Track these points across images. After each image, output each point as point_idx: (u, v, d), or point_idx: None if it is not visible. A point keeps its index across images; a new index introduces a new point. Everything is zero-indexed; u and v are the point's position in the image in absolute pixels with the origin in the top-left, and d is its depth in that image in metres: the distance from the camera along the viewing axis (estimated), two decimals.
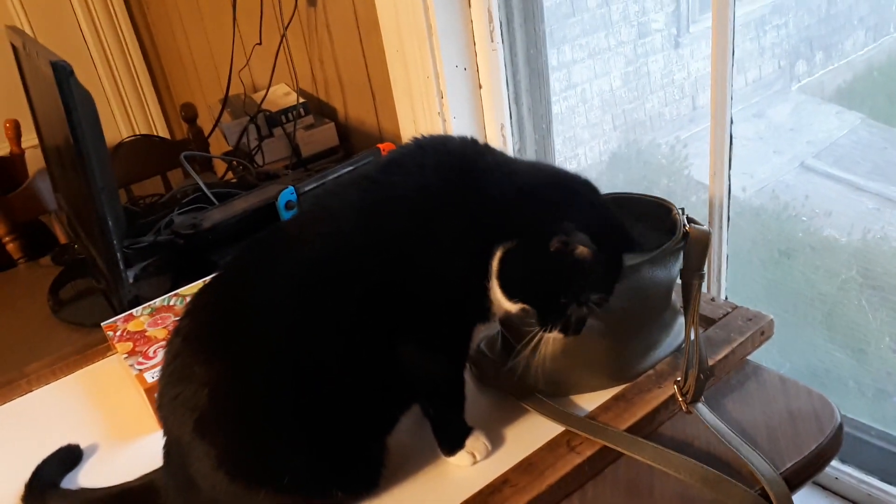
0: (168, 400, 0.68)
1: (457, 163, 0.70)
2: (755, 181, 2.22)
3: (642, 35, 2.42)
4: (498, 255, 0.67)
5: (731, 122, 0.95)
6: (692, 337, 0.75)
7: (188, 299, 1.02)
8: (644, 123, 2.48)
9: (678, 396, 0.75)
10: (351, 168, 1.17)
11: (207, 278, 1.03)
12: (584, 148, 2.47)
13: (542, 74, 1.20)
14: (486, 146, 0.73)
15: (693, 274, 0.74)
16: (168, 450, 0.71)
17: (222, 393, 0.65)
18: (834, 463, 1.02)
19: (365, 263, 0.68)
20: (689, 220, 0.76)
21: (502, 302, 0.69)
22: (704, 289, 1.02)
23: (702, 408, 0.74)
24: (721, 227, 1.00)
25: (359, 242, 0.68)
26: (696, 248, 0.72)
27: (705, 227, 0.73)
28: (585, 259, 0.65)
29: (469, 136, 0.73)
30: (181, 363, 0.67)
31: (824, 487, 1.03)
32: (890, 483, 0.98)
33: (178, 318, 0.96)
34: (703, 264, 0.73)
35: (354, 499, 0.72)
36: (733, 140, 0.96)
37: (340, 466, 0.70)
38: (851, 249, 1.91)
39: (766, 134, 2.43)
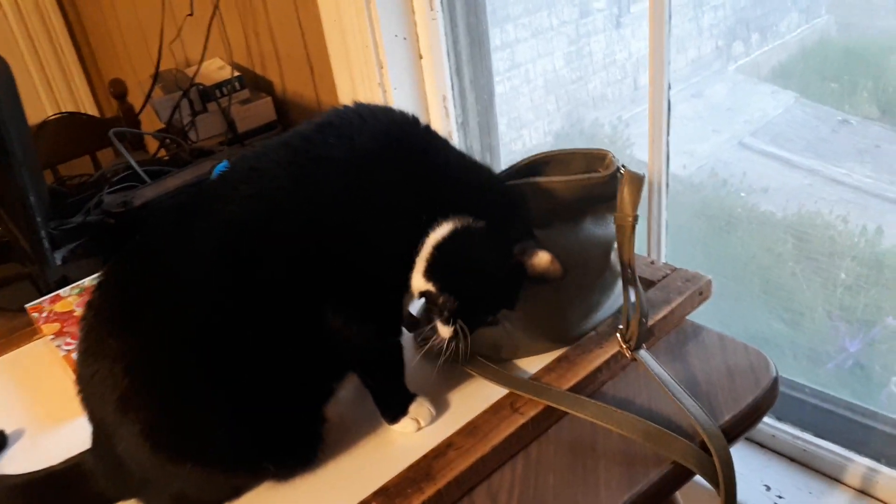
0: (86, 379, 0.65)
1: (397, 132, 0.69)
2: (695, 159, 2.27)
3: (584, 15, 2.43)
4: (441, 232, 0.66)
5: (669, 87, 0.96)
6: (631, 285, 0.74)
7: None
8: (587, 104, 2.50)
9: (621, 344, 0.75)
10: None
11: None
12: (529, 129, 2.48)
13: (483, 45, 1.19)
14: (428, 128, 0.72)
15: (627, 217, 0.73)
16: (94, 431, 0.68)
17: (139, 366, 0.62)
18: (771, 421, 1.05)
19: (294, 226, 0.65)
20: (623, 166, 0.76)
21: (416, 277, 0.68)
22: (645, 253, 1.03)
23: (645, 355, 0.75)
24: (661, 193, 1.01)
25: (288, 204, 0.66)
26: (630, 189, 0.72)
27: (639, 172, 0.73)
28: (539, 269, 0.67)
29: (413, 115, 0.72)
30: (95, 339, 0.64)
31: (762, 445, 1.05)
32: (823, 438, 1.01)
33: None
34: (636, 206, 0.72)
35: (289, 472, 0.70)
36: (671, 107, 0.97)
37: (271, 439, 0.68)
38: (787, 223, 1.97)
39: (704, 113, 2.48)
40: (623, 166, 0.74)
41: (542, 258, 0.67)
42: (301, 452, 0.70)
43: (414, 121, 0.72)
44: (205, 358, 0.63)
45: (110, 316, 0.64)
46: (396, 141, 0.68)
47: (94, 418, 0.67)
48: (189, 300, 0.64)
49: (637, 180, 0.71)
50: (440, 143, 0.72)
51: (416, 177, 0.67)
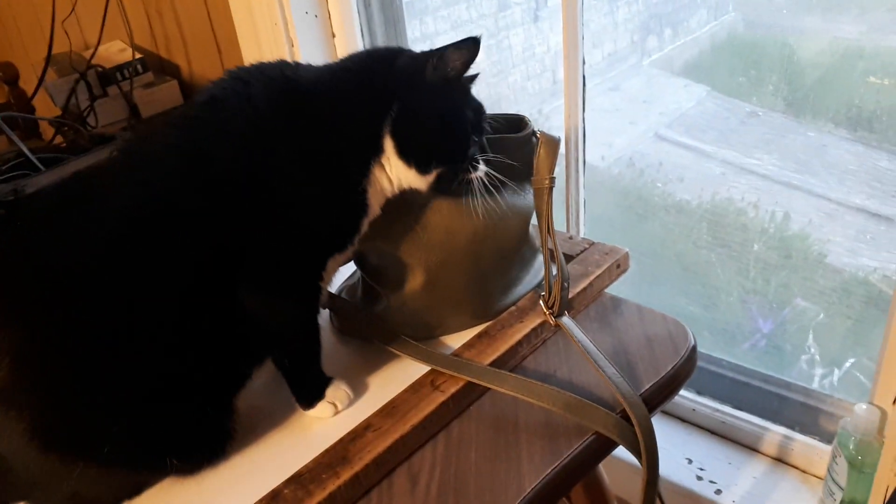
0: None
1: (280, 86, 0.66)
2: (613, 151, 2.31)
3: (502, 8, 2.44)
4: (387, 138, 0.66)
5: (584, 62, 0.96)
6: (550, 248, 0.73)
7: None
8: (508, 97, 2.52)
9: (544, 310, 0.74)
10: None
11: None
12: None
13: (398, 24, 1.16)
14: (294, 64, 0.69)
15: (543, 180, 0.72)
16: None
17: (26, 360, 0.57)
18: (690, 395, 1.06)
19: (195, 210, 0.61)
20: (539, 131, 0.75)
21: (413, 181, 0.68)
22: (564, 229, 1.03)
23: (568, 321, 0.74)
24: (578, 171, 1.00)
25: (186, 187, 0.62)
26: (546, 151, 0.71)
27: (554, 135, 0.72)
28: (460, 62, 0.66)
29: (281, 60, 0.69)
30: None
31: (684, 420, 1.07)
32: (740, 409, 1.03)
33: None
34: (552, 168, 0.71)
35: (195, 467, 0.65)
36: (586, 81, 0.97)
37: (175, 433, 0.64)
38: (702, 211, 2.03)
39: (622, 106, 2.53)
40: (538, 130, 0.73)
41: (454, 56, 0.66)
42: (208, 445, 0.66)
43: (286, 63, 0.69)
44: (99, 350, 0.59)
45: None
46: (283, 95, 0.65)
47: None
48: (79, 291, 0.59)
49: (553, 143, 0.70)
50: (316, 71, 0.69)
51: (318, 121, 0.65)
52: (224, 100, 0.64)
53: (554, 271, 0.75)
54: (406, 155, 0.67)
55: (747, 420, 1.01)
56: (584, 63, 0.97)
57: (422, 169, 0.67)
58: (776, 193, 1.94)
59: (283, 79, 0.66)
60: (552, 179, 0.70)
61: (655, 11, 2.68)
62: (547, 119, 2.39)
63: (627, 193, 2.16)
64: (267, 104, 0.64)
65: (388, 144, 0.67)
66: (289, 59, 0.70)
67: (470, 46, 0.67)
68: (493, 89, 2.52)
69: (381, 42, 1.17)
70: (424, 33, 2.28)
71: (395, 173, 0.68)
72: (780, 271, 1.66)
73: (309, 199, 0.64)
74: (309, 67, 0.69)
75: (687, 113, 2.54)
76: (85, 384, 0.59)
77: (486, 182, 0.70)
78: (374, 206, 0.69)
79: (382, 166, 0.68)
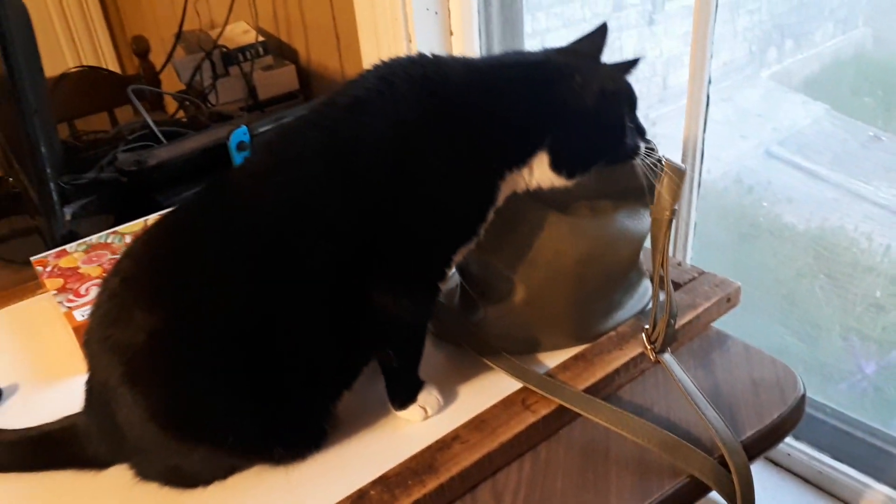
0: (97, 340, 0.62)
1: (425, 88, 0.65)
2: (720, 164, 2.23)
3: (617, 8, 2.38)
4: (544, 158, 0.66)
5: (709, 81, 0.92)
6: (661, 283, 0.71)
7: (128, 238, 0.96)
8: None
9: (645, 345, 0.72)
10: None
11: (150, 217, 0.98)
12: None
13: (516, 26, 1.15)
14: (438, 60, 0.68)
15: (664, 211, 0.70)
16: (91, 389, 0.66)
17: (163, 342, 0.60)
18: (787, 439, 1.01)
19: (335, 213, 0.63)
20: (665, 157, 0.72)
21: (558, 182, 0.67)
22: (671, 253, 1.00)
23: (669, 358, 0.72)
24: (691, 192, 0.97)
25: (327, 192, 0.63)
26: (670, 181, 0.69)
27: (681, 164, 0.69)
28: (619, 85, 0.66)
29: (422, 54, 0.68)
30: (118, 305, 0.62)
31: (776, 464, 1.02)
32: (840, 461, 0.98)
33: (116, 257, 0.90)
34: (676, 201, 0.69)
35: (297, 457, 0.67)
36: (709, 103, 0.93)
37: (288, 424, 0.66)
38: (809, 237, 1.94)
39: (733, 118, 2.44)
40: (664, 157, 0.70)
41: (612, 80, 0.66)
42: (312, 437, 0.68)
43: (432, 62, 0.68)
44: (230, 343, 0.62)
45: (140, 287, 0.62)
46: (429, 98, 0.65)
47: (95, 377, 0.64)
48: (222, 285, 0.62)
49: (679, 173, 0.68)
50: (464, 71, 0.68)
51: (470, 130, 0.65)
52: (368, 101, 0.64)
53: (661, 296, 0.72)
54: (558, 167, 0.66)
55: (847, 474, 0.96)
56: (709, 82, 0.93)
57: (574, 177, 0.67)
58: (893, 226, 1.83)
59: (427, 80, 0.66)
60: (673, 212, 0.68)
61: (779, 22, 2.56)
62: (653, 125, 2.32)
63: (731, 211, 2.08)
64: (411, 109, 0.64)
65: (540, 159, 0.66)
66: (425, 53, 0.69)
67: (631, 68, 0.67)
68: None
69: (496, 41, 1.16)
70: (535, 29, 2.26)
71: (536, 179, 0.68)
72: (889, 311, 1.57)
73: (446, 201, 0.65)
74: (452, 66, 0.68)
75: (802, 131, 2.42)
76: (219, 374, 0.62)
77: (649, 162, 0.69)
78: (500, 200, 0.69)
79: (523, 173, 0.67)
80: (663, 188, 0.68)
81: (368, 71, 0.67)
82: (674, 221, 0.68)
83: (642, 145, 0.68)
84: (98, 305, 0.64)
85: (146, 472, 0.66)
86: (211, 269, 0.62)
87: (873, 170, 2.18)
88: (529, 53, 0.71)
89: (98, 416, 0.65)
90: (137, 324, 0.60)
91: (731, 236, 1.95)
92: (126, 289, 0.62)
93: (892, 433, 0.98)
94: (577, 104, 0.65)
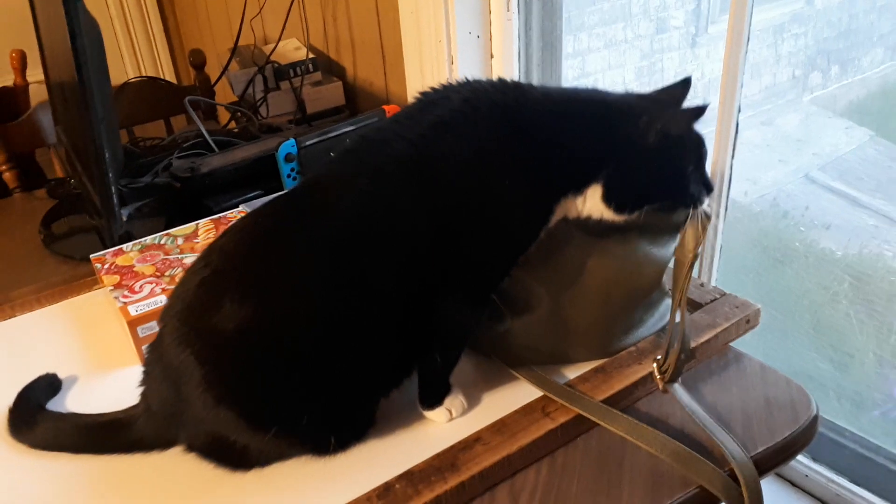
0: (182, 321, 0.68)
1: (504, 116, 0.69)
2: (758, 187, 2.22)
3: (660, 31, 2.40)
4: (598, 190, 0.68)
5: (739, 110, 0.94)
6: (678, 317, 0.75)
7: (180, 240, 1.02)
8: None
9: (656, 374, 0.75)
10: (354, 127, 1.17)
11: (201, 220, 1.04)
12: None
13: (555, 50, 1.19)
14: (518, 86, 0.72)
15: (688, 254, 0.74)
16: (157, 359, 0.71)
17: (250, 333, 0.66)
18: (806, 461, 1.03)
19: (414, 225, 0.68)
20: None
21: (609, 216, 0.70)
22: (696, 275, 1.02)
23: (678, 388, 0.74)
24: (718, 217, 0.99)
25: (408, 204, 0.68)
26: (695, 226, 0.72)
27: (707, 210, 0.73)
28: (681, 130, 0.67)
29: (501, 81, 0.72)
30: (208, 294, 0.67)
31: (794, 484, 1.03)
32: (858, 484, 0.99)
33: (168, 258, 0.97)
34: (699, 246, 0.72)
35: (346, 447, 0.72)
36: (738, 131, 0.96)
37: (345, 416, 0.71)
38: (846, 262, 1.92)
39: (773, 142, 2.43)
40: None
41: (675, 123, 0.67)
42: (360, 429, 0.73)
43: (513, 89, 0.72)
44: (309, 340, 0.67)
45: (231, 281, 0.67)
46: (507, 128, 0.69)
47: (169, 352, 0.69)
48: (306, 285, 0.67)
49: (704, 219, 0.71)
50: (541, 99, 0.72)
51: (543, 165, 0.69)
52: (453, 123, 0.69)
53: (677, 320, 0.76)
54: (609, 201, 0.69)
55: (865, 498, 0.97)
56: (739, 110, 0.96)
57: (623, 212, 0.70)
58: None
59: (507, 108, 0.70)
60: (696, 255, 0.71)
61: (825, 47, 2.54)
62: None
63: (767, 234, 2.07)
64: (490, 135, 0.68)
65: (594, 189, 0.69)
66: (449, 78, 0.73)
67: (699, 115, 0.68)
68: None
69: (535, 65, 1.21)
70: (577, 49, 2.29)
71: (588, 208, 0.71)
72: None
73: (510, 221, 0.69)
74: (530, 95, 0.72)
75: (844, 157, 2.40)
76: (296, 366, 0.67)
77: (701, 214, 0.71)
78: (553, 222, 0.72)
79: (577, 201, 0.71)
80: (688, 231, 0.71)
81: (452, 89, 0.72)
82: (695, 264, 0.71)
83: (706, 199, 0.71)
84: (185, 290, 0.69)
85: (196, 441, 0.71)
86: (295, 268, 0.67)
87: None
88: (607, 92, 0.73)
89: (161, 389, 0.70)
90: (226, 314, 0.65)
91: (766, 260, 1.94)
92: (217, 280, 0.68)
93: None
94: (639, 142, 0.67)
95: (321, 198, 0.70)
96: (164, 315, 0.71)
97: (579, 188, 0.70)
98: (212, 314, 0.66)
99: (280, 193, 0.73)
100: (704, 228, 0.72)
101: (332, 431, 0.71)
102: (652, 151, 0.67)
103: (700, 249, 0.73)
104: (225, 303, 0.66)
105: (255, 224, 0.72)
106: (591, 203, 0.70)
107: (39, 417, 0.77)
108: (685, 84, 0.71)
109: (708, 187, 0.71)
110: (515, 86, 0.72)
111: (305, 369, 0.68)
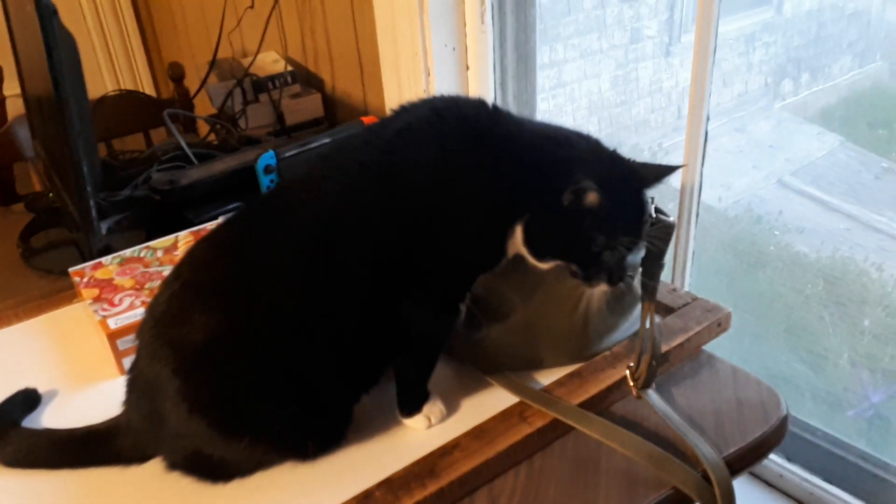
0: (155, 336, 0.69)
1: (472, 130, 0.70)
2: (732, 193, 2.26)
3: (634, 40, 2.44)
4: (521, 224, 0.69)
5: (707, 118, 0.97)
6: (647, 324, 0.76)
7: (160, 253, 1.02)
8: (629, 127, 2.51)
9: (629, 381, 0.77)
10: (333, 139, 1.18)
11: (180, 233, 1.04)
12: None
13: (529, 62, 1.21)
14: (496, 109, 0.73)
15: (654, 263, 0.76)
16: (135, 378, 0.72)
17: (218, 341, 0.66)
18: (780, 461, 1.05)
19: (378, 226, 0.69)
20: (657, 211, 0.78)
21: (534, 262, 0.71)
22: (669, 280, 1.04)
23: (651, 394, 0.76)
24: (689, 223, 1.02)
25: (373, 205, 0.69)
26: (660, 237, 0.74)
27: (671, 219, 0.74)
28: (595, 205, 0.66)
29: (480, 99, 0.74)
30: (179, 306, 0.68)
31: (769, 484, 1.05)
32: (832, 483, 1.01)
33: (148, 271, 0.97)
34: (664, 254, 0.74)
35: (324, 451, 0.73)
36: (708, 137, 0.98)
37: (319, 420, 0.72)
38: (819, 266, 1.95)
39: (746, 148, 2.47)
40: (656, 210, 0.75)
41: (590, 195, 0.66)
42: (338, 433, 0.74)
43: (484, 107, 0.73)
44: (279, 344, 0.68)
45: (199, 291, 0.69)
46: (472, 140, 0.70)
47: (146, 370, 0.69)
48: (274, 289, 0.68)
49: (668, 230, 0.73)
50: (510, 126, 0.72)
51: (495, 173, 0.70)
52: (419, 130, 0.71)
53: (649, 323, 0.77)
54: (527, 244, 0.70)
55: (838, 496, 0.99)
56: (707, 119, 0.98)
57: (537, 259, 0.71)
58: None
59: (474, 122, 0.71)
60: (661, 266, 0.73)
61: (795, 55, 2.60)
62: (666, 154, 2.37)
63: (741, 238, 2.11)
64: (455, 142, 0.70)
65: (519, 228, 0.70)
66: (426, 89, 0.74)
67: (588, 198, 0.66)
68: (615, 119, 2.53)
69: (510, 76, 1.23)
70: (553, 60, 2.32)
71: (516, 244, 0.72)
72: None
73: (468, 230, 0.70)
74: (504, 118, 0.73)
75: (815, 162, 2.45)
76: (266, 372, 0.68)
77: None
78: (511, 253, 0.73)
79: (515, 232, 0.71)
80: (654, 242, 0.73)
81: (427, 101, 0.73)
82: (663, 270, 0.73)
83: (602, 283, 0.70)
84: (157, 304, 0.70)
85: (176, 459, 0.71)
86: (262, 273, 0.68)
87: (886, 201, 2.20)
88: (579, 138, 0.72)
89: (140, 403, 0.71)
90: (196, 324, 0.66)
91: (740, 263, 1.98)
92: (186, 292, 0.69)
93: (884, 459, 1.01)
94: (557, 197, 0.67)
95: (289, 202, 0.71)
96: (139, 331, 0.71)
97: (513, 222, 0.70)
98: (181, 327, 0.67)
99: (250, 199, 0.74)
100: (668, 237, 0.74)
101: (308, 436, 0.71)
102: (568, 212, 0.67)
103: (664, 260, 0.74)
104: (194, 314, 0.67)
105: (223, 232, 0.73)
106: (518, 240, 0.71)
107: (13, 434, 0.76)
108: (671, 169, 0.71)
109: (612, 278, 0.70)
110: (492, 107, 0.73)
111: (274, 374, 0.68)
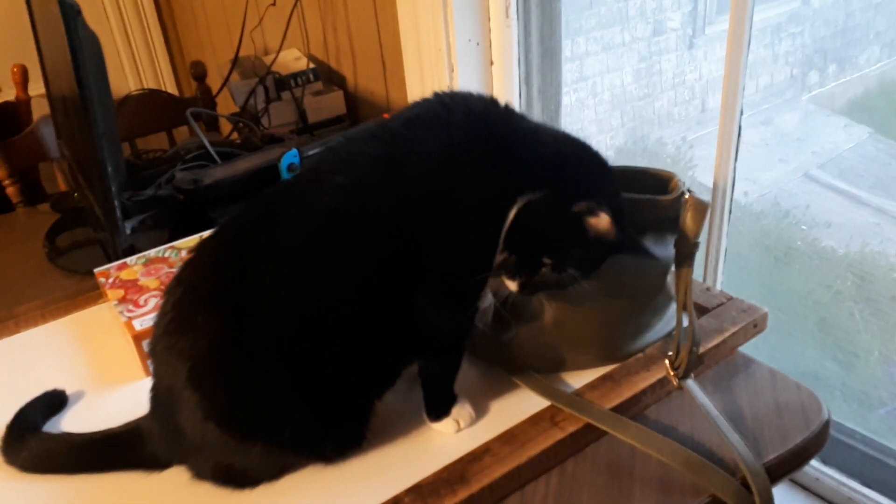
0: (163, 348, 0.67)
1: (482, 123, 0.69)
2: (758, 187, 2.23)
3: (657, 33, 2.41)
4: (516, 207, 0.67)
5: (741, 113, 0.94)
6: (685, 313, 0.74)
7: (184, 252, 1.02)
8: (652, 121, 2.48)
9: (669, 371, 0.75)
10: None
11: (206, 232, 1.04)
12: (591, 141, 2.47)
13: (555, 56, 1.19)
14: (508, 108, 0.72)
15: (688, 243, 0.73)
16: (156, 395, 0.71)
17: (224, 344, 0.65)
18: (816, 464, 1.02)
19: (386, 217, 0.67)
20: (689, 191, 0.75)
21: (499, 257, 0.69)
22: (701, 278, 1.02)
23: (692, 384, 0.74)
24: (722, 220, 0.99)
25: (380, 196, 0.67)
26: (693, 215, 0.72)
27: (705, 198, 0.72)
28: (599, 231, 0.65)
29: (491, 97, 0.72)
30: (181, 312, 0.67)
31: (805, 487, 1.03)
32: (870, 487, 0.98)
33: (177, 269, 0.96)
34: (699, 234, 0.72)
35: (344, 453, 0.72)
36: (741, 132, 0.96)
37: (336, 422, 0.70)
38: (848, 261, 1.92)
39: (772, 141, 2.43)
40: (689, 190, 0.73)
41: (602, 220, 0.66)
42: (356, 434, 0.72)
43: (494, 104, 0.72)
44: (287, 343, 0.66)
45: (201, 294, 0.67)
46: (481, 132, 0.69)
47: (160, 383, 0.69)
48: (278, 287, 0.66)
49: (702, 207, 0.71)
50: (518, 124, 0.72)
51: (503, 166, 0.68)
52: (425, 121, 0.70)
53: (685, 323, 0.75)
54: (505, 243, 0.69)
55: (876, 500, 0.96)
56: (741, 113, 0.96)
57: (504, 244, 0.69)
58: None
59: (483, 116, 0.70)
60: (696, 245, 0.71)
61: (822, 46, 2.55)
62: (690, 147, 2.34)
63: (768, 233, 2.08)
64: (462, 135, 0.68)
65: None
66: (450, 85, 0.73)
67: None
68: (637, 112, 2.49)
69: (535, 70, 1.21)
70: (575, 53, 2.29)
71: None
72: None
73: (480, 229, 0.69)
74: (512, 117, 0.72)
75: (843, 155, 2.40)
76: (275, 373, 0.66)
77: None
78: None
79: None
80: (687, 221, 0.71)
81: (434, 94, 0.72)
82: (696, 253, 0.71)
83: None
84: (163, 314, 0.68)
85: (202, 471, 0.70)
86: (267, 271, 0.66)
87: None
88: (581, 147, 0.72)
89: (161, 419, 0.70)
90: (200, 330, 0.65)
91: (768, 260, 1.94)
92: (189, 297, 0.67)
93: None
94: (554, 198, 0.66)
95: (297, 195, 0.69)
96: (151, 344, 0.70)
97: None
98: (187, 335, 0.66)
99: (255, 196, 0.71)
100: (703, 216, 0.71)
101: (324, 437, 0.70)
102: (563, 219, 0.67)
103: (699, 240, 0.72)
104: (198, 318, 0.65)
105: (224, 232, 0.71)
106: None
107: (31, 438, 0.75)
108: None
109: (525, 288, 0.70)
110: (504, 106, 0.72)
111: (282, 374, 0.66)
